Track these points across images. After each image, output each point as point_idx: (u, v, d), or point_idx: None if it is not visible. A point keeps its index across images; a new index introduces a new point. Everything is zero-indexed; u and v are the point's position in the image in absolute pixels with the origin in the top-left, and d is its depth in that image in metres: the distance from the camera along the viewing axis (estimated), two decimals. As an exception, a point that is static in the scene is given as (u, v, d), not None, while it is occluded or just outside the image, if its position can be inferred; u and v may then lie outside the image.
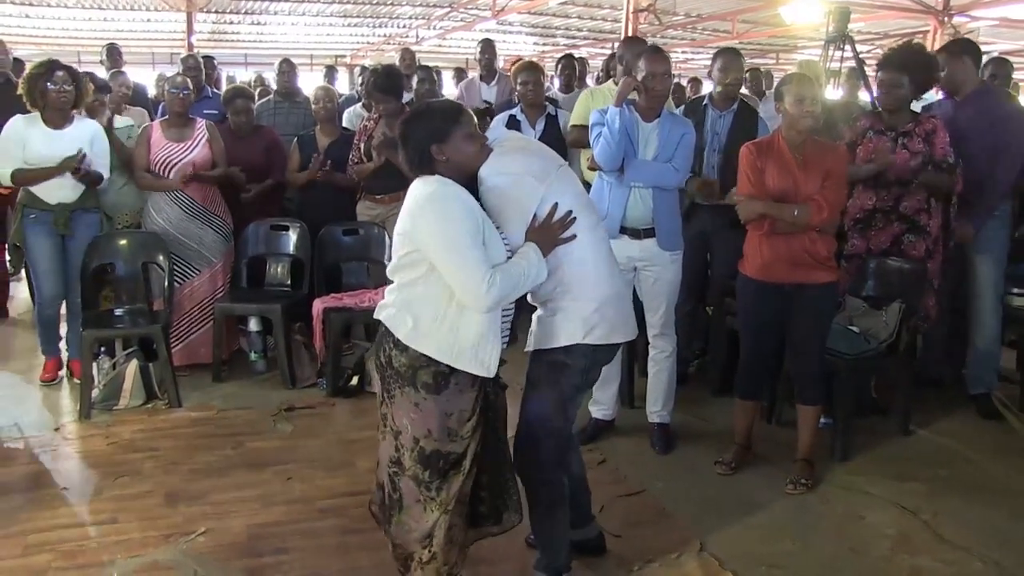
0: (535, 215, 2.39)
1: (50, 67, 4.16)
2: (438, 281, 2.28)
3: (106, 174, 4.35)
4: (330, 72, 8.28)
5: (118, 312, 4.47)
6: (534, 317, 2.63)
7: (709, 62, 4.34)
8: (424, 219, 2.27)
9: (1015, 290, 4.24)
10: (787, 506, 3.31)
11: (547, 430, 2.56)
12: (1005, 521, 3.20)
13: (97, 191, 4.40)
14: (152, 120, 5.21)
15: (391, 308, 2.36)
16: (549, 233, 2.40)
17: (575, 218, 2.43)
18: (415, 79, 5.58)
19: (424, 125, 2.34)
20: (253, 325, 4.75)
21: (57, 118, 4.20)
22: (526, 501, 2.61)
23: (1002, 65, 5.01)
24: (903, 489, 3.43)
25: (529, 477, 2.60)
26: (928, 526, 3.17)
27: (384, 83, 4.58)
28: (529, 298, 2.57)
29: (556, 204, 2.40)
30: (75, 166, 4.14)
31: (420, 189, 2.33)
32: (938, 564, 2.93)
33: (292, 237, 4.86)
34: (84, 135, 4.25)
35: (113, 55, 6.65)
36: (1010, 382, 4.50)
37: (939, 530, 3.13)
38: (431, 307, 2.29)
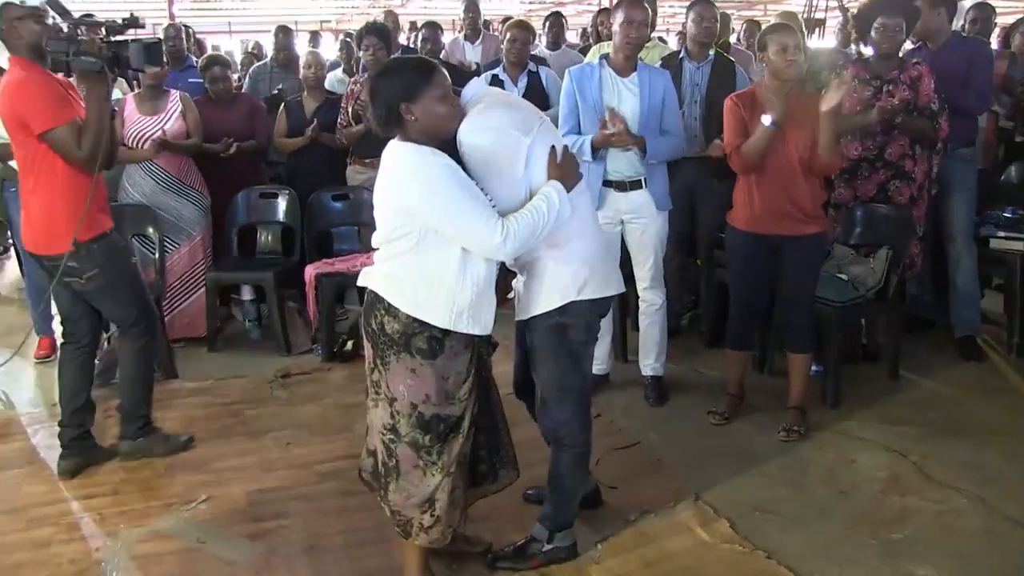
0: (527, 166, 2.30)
1: None
2: (430, 249, 2.24)
3: None
4: (314, 38, 8.17)
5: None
6: (517, 284, 2.56)
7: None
8: (412, 193, 2.21)
9: (1000, 233, 4.27)
10: (780, 453, 3.35)
11: (565, 391, 2.52)
12: (990, 459, 3.26)
13: None
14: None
15: (382, 275, 2.32)
16: (569, 168, 2.35)
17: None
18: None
19: (393, 81, 2.24)
20: (246, 294, 4.76)
21: None
22: (550, 458, 2.62)
23: (983, 9, 5.04)
24: (893, 432, 3.48)
25: (555, 439, 2.59)
26: (917, 467, 3.22)
27: (378, 28, 4.77)
28: (509, 263, 2.52)
29: (553, 148, 2.33)
30: None
31: (396, 161, 2.26)
32: (926, 503, 2.99)
33: (281, 204, 4.85)
34: None
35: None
36: (997, 324, 4.55)
37: (927, 471, 3.19)
38: (426, 276, 2.25)
